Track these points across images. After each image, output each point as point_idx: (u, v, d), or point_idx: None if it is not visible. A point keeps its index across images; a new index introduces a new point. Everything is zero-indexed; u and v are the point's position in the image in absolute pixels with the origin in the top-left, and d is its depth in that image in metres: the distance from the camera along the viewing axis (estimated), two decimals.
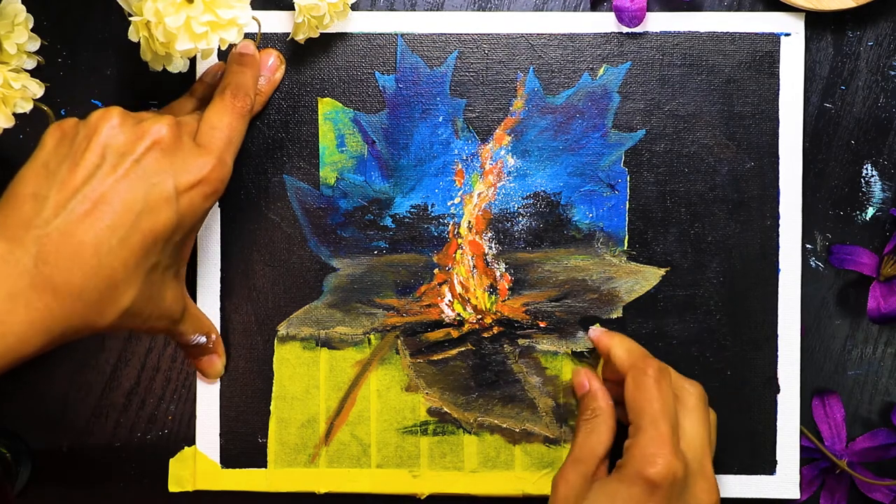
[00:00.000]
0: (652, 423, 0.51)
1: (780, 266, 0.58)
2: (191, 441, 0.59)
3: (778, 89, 0.58)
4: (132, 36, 0.52)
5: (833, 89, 0.59)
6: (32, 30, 0.53)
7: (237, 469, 0.59)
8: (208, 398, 0.59)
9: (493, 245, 0.59)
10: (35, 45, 0.54)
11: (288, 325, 0.59)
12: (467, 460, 0.59)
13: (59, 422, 0.60)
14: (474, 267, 0.59)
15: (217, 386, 0.59)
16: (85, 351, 0.60)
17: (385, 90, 0.59)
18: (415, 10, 0.59)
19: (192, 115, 0.54)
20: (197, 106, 0.57)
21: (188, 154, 0.50)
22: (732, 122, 0.58)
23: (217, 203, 0.58)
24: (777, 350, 0.58)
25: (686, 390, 0.54)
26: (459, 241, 0.59)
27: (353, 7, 0.58)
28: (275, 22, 0.58)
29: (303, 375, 0.59)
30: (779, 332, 0.58)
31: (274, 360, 0.59)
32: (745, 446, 0.58)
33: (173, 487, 0.59)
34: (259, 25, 0.57)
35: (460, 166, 0.59)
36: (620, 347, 0.55)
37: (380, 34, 0.58)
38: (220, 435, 0.59)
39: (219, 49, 0.53)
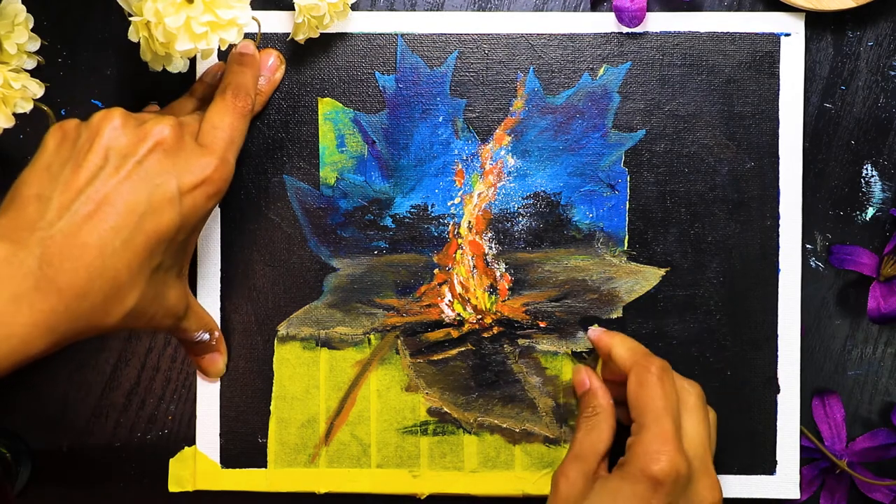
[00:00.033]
0: (655, 420, 0.51)
1: (780, 266, 0.58)
2: (191, 441, 0.59)
3: (778, 89, 0.58)
4: (132, 36, 0.52)
5: (833, 89, 0.59)
6: (32, 30, 0.53)
7: (237, 469, 0.59)
8: (208, 398, 0.59)
9: (493, 245, 0.59)
10: (35, 45, 0.54)
11: (288, 325, 0.59)
12: (467, 460, 0.59)
13: (59, 422, 0.60)
14: (474, 267, 0.59)
15: (217, 386, 0.59)
16: (85, 351, 0.60)
17: (385, 90, 0.59)
18: (415, 10, 0.59)
19: (193, 115, 0.54)
20: (197, 106, 0.57)
21: (191, 154, 0.50)
22: (732, 122, 0.58)
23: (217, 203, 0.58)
24: (777, 350, 0.58)
25: (686, 390, 0.54)
26: (459, 241, 0.59)
27: (353, 7, 0.58)
28: (275, 22, 0.58)
29: (303, 375, 0.59)
30: (779, 332, 0.58)
31: (274, 360, 0.59)
32: (745, 446, 0.58)
33: (173, 487, 0.59)
34: (259, 25, 0.57)
35: (460, 166, 0.59)
36: (622, 346, 0.55)
37: (380, 34, 0.58)
38: (220, 435, 0.59)
39: (219, 49, 0.53)
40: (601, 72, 0.58)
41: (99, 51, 0.59)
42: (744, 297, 0.58)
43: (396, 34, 0.58)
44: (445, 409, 0.59)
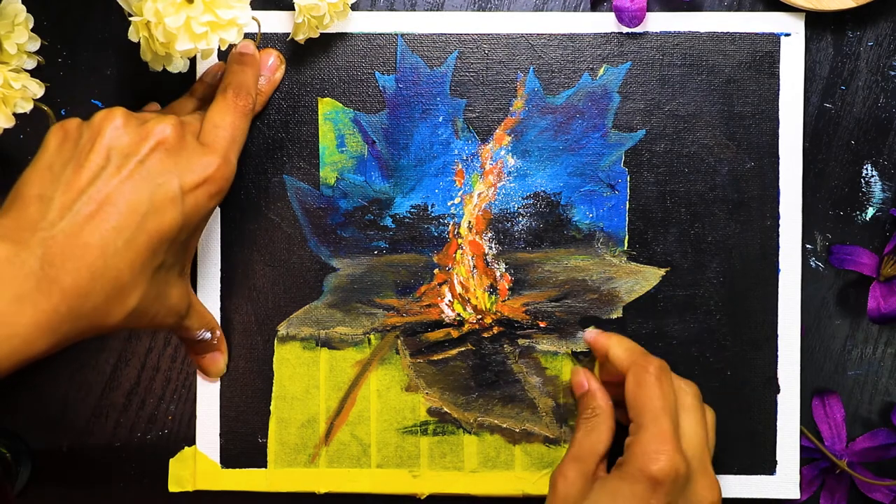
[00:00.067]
0: (654, 419, 0.51)
1: (780, 266, 0.58)
2: (191, 441, 0.59)
3: (778, 89, 0.58)
4: (132, 36, 0.52)
5: (833, 89, 0.59)
6: (32, 30, 0.53)
7: (237, 469, 0.59)
8: (208, 398, 0.59)
9: (493, 245, 0.59)
10: (35, 45, 0.54)
11: (288, 325, 0.59)
12: (467, 460, 0.59)
13: (59, 422, 0.60)
14: (474, 267, 0.59)
15: (217, 386, 0.59)
16: (85, 351, 0.60)
17: (385, 90, 0.59)
18: (415, 10, 0.59)
19: (194, 114, 0.54)
20: (197, 106, 0.57)
21: (193, 153, 0.50)
22: (732, 123, 0.58)
23: None
24: (777, 350, 0.58)
25: (682, 389, 0.54)
26: (459, 241, 0.59)
27: (353, 7, 0.58)
28: (275, 22, 0.58)
29: (303, 375, 0.59)
30: (779, 332, 0.58)
31: (274, 360, 0.59)
32: (745, 446, 0.58)
33: (173, 487, 0.59)
34: (259, 25, 0.57)
35: (460, 166, 0.59)
36: (619, 347, 0.55)
37: (380, 34, 0.58)
38: (220, 435, 0.59)
39: (219, 49, 0.53)
40: (601, 72, 0.58)
41: (99, 51, 0.59)
42: (744, 297, 0.58)
43: (396, 34, 0.58)
44: (445, 409, 0.59)
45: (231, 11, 0.51)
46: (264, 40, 0.58)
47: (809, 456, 0.59)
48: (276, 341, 0.59)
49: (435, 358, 0.59)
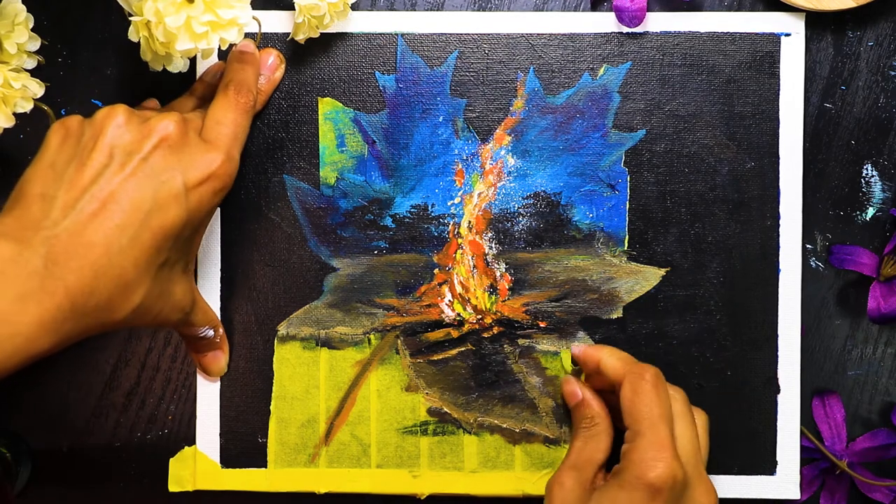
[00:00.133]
0: (651, 427, 0.51)
1: (781, 266, 0.58)
2: (191, 441, 0.59)
3: (778, 89, 0.58)
4: (132, 36, 0.52)
5: (833, 89, 0.59)
6: (32, 29, 0.53)
7: (237, 469, 0.59)
8: (208, 398, 0.59)
9: (493, 245, 0.59)
10: (35, 44, 0.54)
11: (288, 325, 0.59)
12: (467, 460, 0.59)
13: (59, 422, 0.60)
14: (474, 267, 0.59)
15: (217, 386, 0.59)
16: (85, 351, 0.60)
17: (385, 90, 0.59)
18: (415, 10, 0.59)
19: (195, 112, 0.54)
20: (197, 105, 0.57)
21: (195, 150, 0.50)
22: (733, 122, 0.58)
23: None
24: (777, 350, 0.58)
25: (672, 396, 0.54)
26: (459, 241, 0.59)
27: (354, 7, 0.58)
28: (275, 22, 0.58)
29: (303, 375, 0.59)
30: (779, 332, 0.58)
31: (274, 360, 0.59)
32: (745, 446, 0.58)
33: (173, 487, 0.59)
34: (259, 25, 0.57)
35: (460, 166, 0.59)
36: (612, 357, 0.55)
37: (380, 34, 0.58)
38: (220, 435, 0.59)
39: (219, 49, 0.53)
40: (601, 72, 0.58)
41: (99, 51, 0.59)
42: (744, 297, 0.58)
43: (396, 34, 0.58)
44: (445, 409, 0.59)
45: (231, 11, 0.51)
46: (264, 40, 0.58)
47: (809, 456, 0.59)
48: (276, 341, 0.59)
49: (435, 358, 0.59)
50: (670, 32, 0.58)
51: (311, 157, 0.59)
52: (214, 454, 0.59)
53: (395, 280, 0.59)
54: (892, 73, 0.59)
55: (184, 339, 0.58)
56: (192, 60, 0.58)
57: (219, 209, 0.59)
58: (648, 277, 0.59)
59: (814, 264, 0.59)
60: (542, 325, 0.59)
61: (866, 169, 0.59)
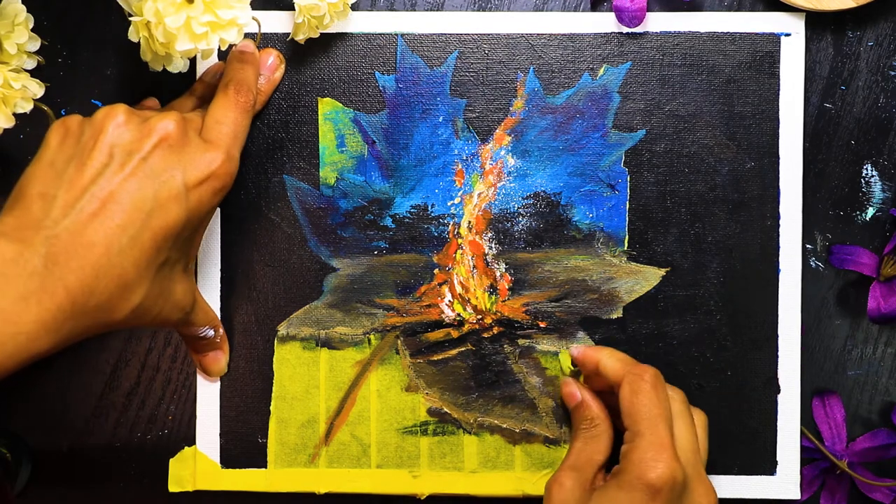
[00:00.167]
0: (650, 427, 0.51)
1: (781, 266, 0.58)
2: (191, 441, 0.59)
3: (778, 89, 0.58)
4: (132, 36, 0.52)
5: (833, 89, 0.59)
6: (32, 30, 0.53)
7: (237, 469, 0.59)
8: (208, 398, 0.59)
9: (493, 245, 0.59)
10: (35, 45, 0.54)
11: (288, 325, 0.59)
12: (467, 460, 0.59)
13: (59, 422, 0.60)
14: (474, 267, 0.59)
15: (217, 386, 0.59)
16: (85, 351, 0.60)
17: (385, 90, 0.59)
18: (415, 10, 0.59)
19: (195, 111, 0.54)
20: (197, 105, 0.57)
21: (196, 150, 0.50)
22: (733, 122, 0.58)
23: None
24: (777, 350, 0.58)
25: (671, 397, 0.54)
26: (459, 241, 0.59)
27: (353, 7, 0.58)
28: (275, 22, 0.58)
29: (303, 375, 0.59)
30: (779, 332, 0.58)
31: (274, 360, 0.59)
32: (746, 446, 0.58)
33: (173, 487, 0.59)
34: (259, 25, 0.57)
35: (460, 166, 0.59)
36: (611, 358, 0.55)
37: (380, 34, 0.58)
38: (220, 435, 0.59)
39: (219, 49, 0.53)
40: (601, 72, 0.58)
41: (99, 51, 0.59)
42: (744, 297, 0.58)
43: (396, 34, 0.58)
44: (445, 410, 0.59)
45: (231, 11, 0.51)
46: (264, 40, 0.58)
47: (810, 456, 0.59)
48: (276, 341, 0.59)
49: (435, 358, 0.59)
50: (670, 32, 0.58)
51: (311, 157, 0.59)
52: (214, 454, 0.59)
53: (395, 280, 0.59)
54: (892, 73, 0.59)
55: (184, 339, 0.58)
56: (192, 60, 0.58)
57: (219, 209, 0.59)
58: (648, 277, 0.59)
59: (814, 264, 0.59)
60: (542, 325, 0.59)
61: (866, 169, 0.59)
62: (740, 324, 0.58)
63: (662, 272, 0.59)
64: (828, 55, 0.59)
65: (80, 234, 0.46)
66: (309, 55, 0.59)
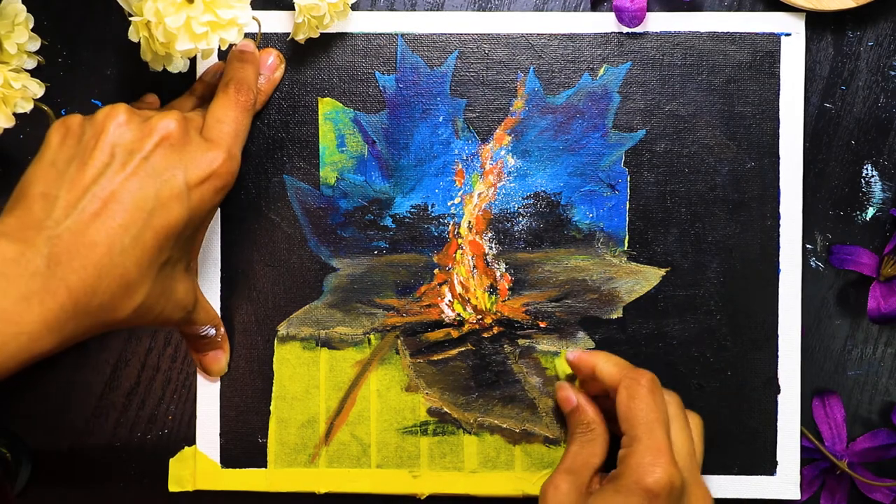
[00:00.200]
0: (648, 432, 0.51)
1: (781, 266, 0.58)
2: (191, 441, 0.59)
3: (778, 89, 0.58)
4: (132, 36, 0.52)
5: (833, 89, 0.59)
6: (32, 30, 0.53)
7: (237, 469, 0.59)
8: (208, 398, 0.59)
9: (493, 245, 0.59)
10: (35, 45, 0.54)
11: (288, 325, 0.59)
12: (467, 460, 0.59)
13: (59, 422, 0.60)
14: (474, 267, 0.59)
15: (217, 386, 0.59)
16: (85, 351, 0.60)
17: (385, 90, 0.59)
18: (415, 10, 0.59)
19: (195, 111, 0.54)
20: (197, 104, 0.57)
21: (197, 149, 0.50)
22: (733, 122, 0.58)
23: None
24: (777, 350, 0.58)
25: (667, 401, 0.54)
26: (459, 241, 0.59)
27: (354, 7, 0.58)
28: (275, 22, 0.58)
29: (303, 375, 0.59)
30: (779, 332, 0.58)
31: (274, 360, 0.59)
32: (746, 447, 0.58)
33: (173, 487, 0.59)
34: (259, 25, 0.57)
35: (460, 166, 0.59)
36: (608, 363, 0.55)
37: (380, 34, 0.58)
38: (220, 435, 0.59)
39: (219, 49, 0.53)
40: (601, 72, 0.58)
41: (99, 51, 0.59)
42: (744, 297, 0.58)
43: (396, 34, 0.58)
44: (445, 410, 0.59)
45: (231, 11, 0.51)
46: (264, 40, 0.58)
47: (810, 456, 0.59)
48: (276, 341, 0.59)
49: (435, 358, 0.59)
50: (670, 32, 0.58)
51: (311, 157, 0.59)
52: (214, 454, 0.59)
53: (395, 280, 0.59)
54: (892, 73, 0.59)
55: (185, 338, 0.58)
56: (192, 60, 0.58)
57: (219, 210, 0.59)
58: (648, 277, 0.59)
59: (814, 264, 0.59)
60: (542, 325, 0.59)
61: (866, 169, 0.59)
62: (740, 324, 0.58)
63: (662, 272, 0.59)
64: (828, 55, 0.59)
65: (82, 233, 0.46)
66: (309, 55, 0.59)
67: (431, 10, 0.59)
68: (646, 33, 0.58)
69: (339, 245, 0.59)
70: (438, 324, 0.59)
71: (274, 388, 0.59)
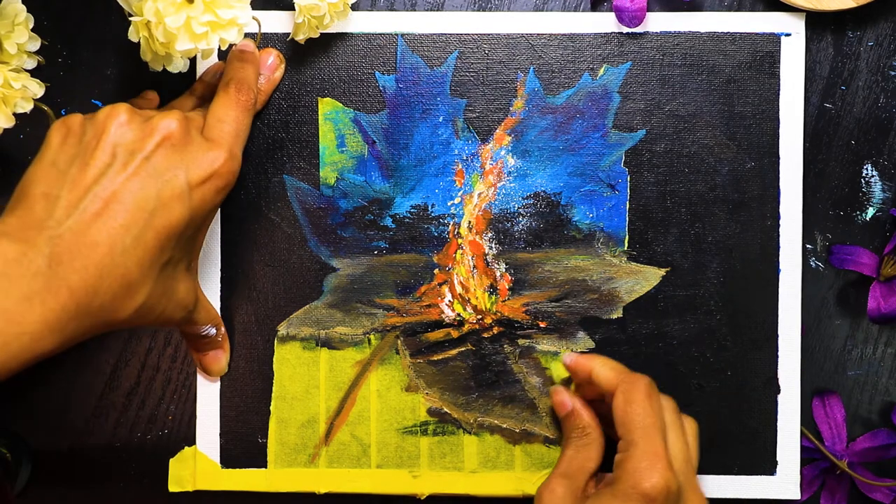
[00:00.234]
0: (645, 436, 0.51)
1: (781, 266, 0.58)
2: (191, 441, 0.59)
3: (778, 89, 0.58)
4: (132, 36, 0.52)
5: (833, 89, 0.59)
6: (32, 30, 0.53)
7: (237, 469, 0.59)
8: (208, 398, 0.59)
9: (493, 245, 0.59)
10: (35, 44, 0.54)
11: (288, 325, 0.59)
12: (467, 460, 0.59)
13: (59, 422, 0.60)
14: (474, 267, 0.59)
15: (217, 386, 0.59)
16: (85, 351, 0.60)
17: (385, 90, 0.59)
18: (415, 10, 0.59)
19: (196, 110, 0.54)
20: (197, 104, 0.57)
21: (198, 148, 0.50)
22: (733, 123, 0.58)
23: None
24: (777, 350, 0.58)
25: (663, 406, 0.54)
26: (459, 241, 0.59)
27: (354, 7, 0.58)
28: (275, 22, 0.58)
29: (303, 375, 0.59)
30: (779, 332, 0.58)
31: (274, 360, 0.59)
32: (746, 446, 0.58)
33: (173, 487, 0.59)
34: (259, 25, 0.57)
35: (460, 166, 0.59)
36: (605, 366, 0.55)
37: (380, 34, 0.58)
38: (220, 435, 0.59)
39: (219, 49, 0.53)
40: (601, 72, 0.58)
41: (99, 51, 0.59)
42: (744, 297, 0.58)
43: (396, 34, 0.58)
44: (445, 410, 0.59)
45: (231, 11, 0.51)
46: (264, 40, 0.58)
47: (810, 456, 0.59)
48: (276, 341, 0.59)
49: (435, 358, 0.59)
50: (670, 32, 0.58)
51: (311, 157, 0.59)
52: (214, 454, 0.59)
53: (395, 280, 0.59)
54: (892, 73, 0.59)
55: (185, 337, 0.58)
56: (192, 60, 0.58)
57: (219, 210, 0.59)
58: (648, 277, 0.59)
59: (814, 264, 0.59)
60: (542, 325, 0.59)
61: (866, 169, 0.59)
62: (740, 324, 0.58)
63: (662, 272, 0.59)
64: (828, 55, 0.59)
65: (83, 234, 0.46)
66: (309, 55, 0.59)
67: (431, 10, 0.59)
68: (646, 33, 0.58)
69: (339, 245, 0.59)
70: (438, 324, 0.59)
71: (274, 388, 0.59)
